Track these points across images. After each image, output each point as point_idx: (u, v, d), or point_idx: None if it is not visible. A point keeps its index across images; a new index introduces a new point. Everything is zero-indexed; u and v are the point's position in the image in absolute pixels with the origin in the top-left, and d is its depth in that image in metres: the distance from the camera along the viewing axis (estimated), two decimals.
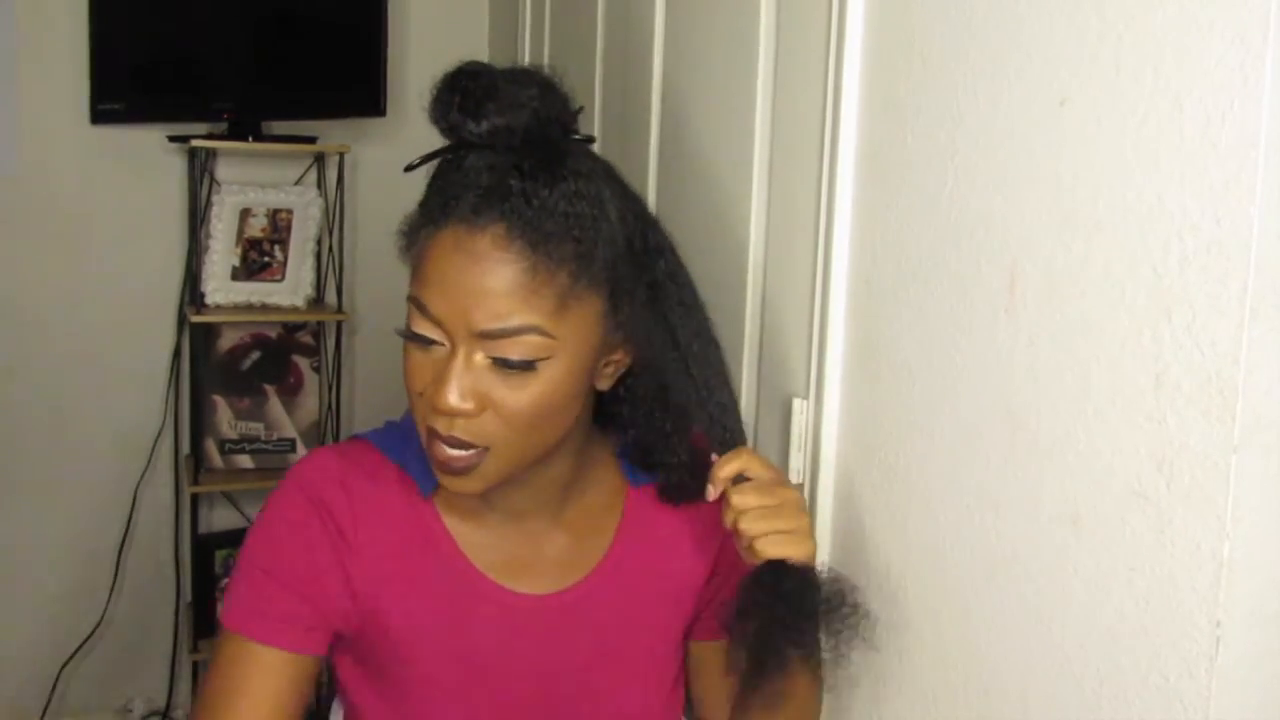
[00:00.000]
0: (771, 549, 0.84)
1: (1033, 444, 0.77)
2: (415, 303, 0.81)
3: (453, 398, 0.79)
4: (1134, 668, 0.69)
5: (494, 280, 0.78)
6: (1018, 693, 0.79)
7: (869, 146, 0.97)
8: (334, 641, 0.92)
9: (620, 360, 0.88)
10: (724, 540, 0.99)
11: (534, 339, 0.79)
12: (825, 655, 0.90)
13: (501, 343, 0.79)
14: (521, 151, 0.80)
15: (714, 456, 0.89)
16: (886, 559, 0.94)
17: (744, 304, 1.19)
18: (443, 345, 0.81)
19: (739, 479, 0.87)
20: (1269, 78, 0.59)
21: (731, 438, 0.90)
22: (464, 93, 0.80)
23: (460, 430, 0.80)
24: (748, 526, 0.85)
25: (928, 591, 0.89)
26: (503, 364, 0.79)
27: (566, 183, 0.80)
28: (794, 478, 1.06)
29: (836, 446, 1.03)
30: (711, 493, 0.87)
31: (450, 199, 0.80)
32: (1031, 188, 0.77)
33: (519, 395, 0.80)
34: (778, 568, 0.85)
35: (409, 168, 0.86)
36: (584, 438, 0.93)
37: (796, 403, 1.07)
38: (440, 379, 0.80)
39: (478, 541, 0.92)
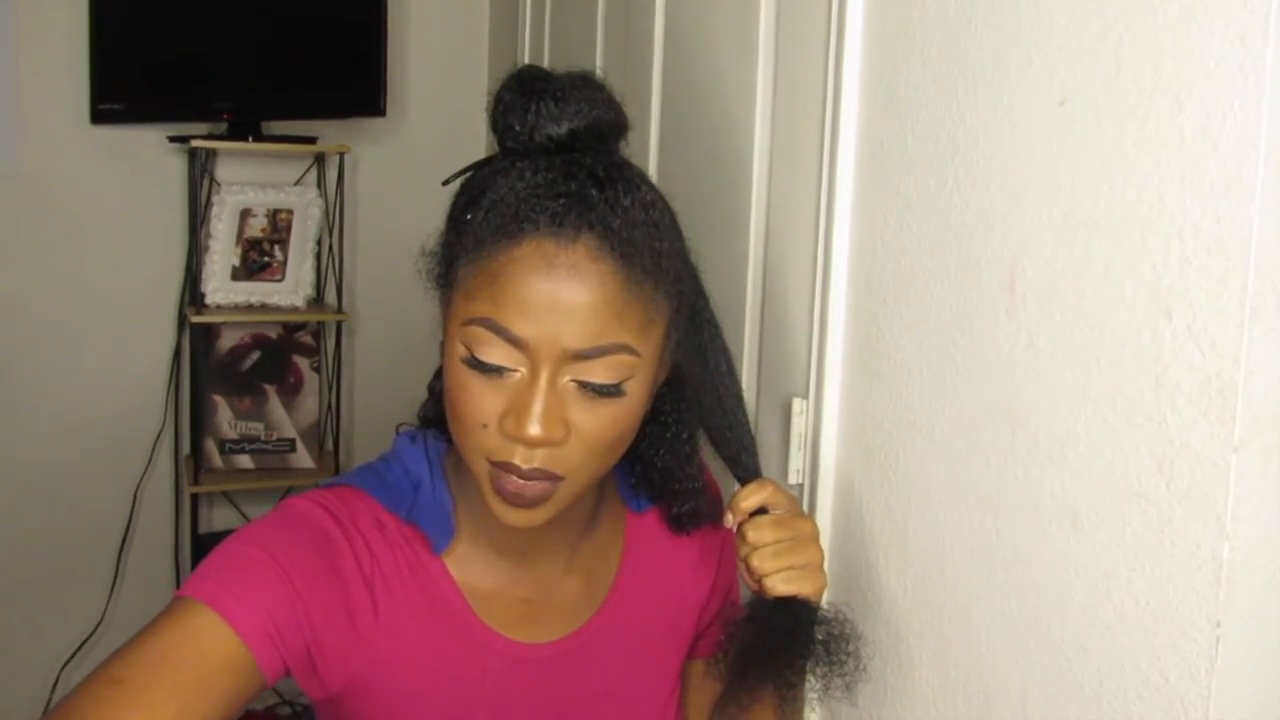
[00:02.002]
0: (781, 586, 0.83)
1: (1033, 444, 0.77)
2: (487, 325, 0.72)
3: (543, 428, 0.72)
4: (1134, 668, 0.69)
5: (589, 296, 0.71)
6: (1018, 693, 0.79)
7: (869, 146, 0.97)
8: (282, 677, 0.78)
9: (660, 379, 0.82)
10: (720, 558, 0.98)
11: (624, 358, 0.73)
12: (811, 694, 0.89)
13: (592, 364, 0.73)
14: (592, 157, 0.75)
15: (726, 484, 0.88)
16: (886, 559, 0.94)
17: (744, 304, 1.19)
18: (516, 372, 0.73)
19: (757, 511, 0.86)
20: (1269, 78, 0.59)
21: (750, 462, 0.88)
22: (540, 95, 0.75)
23: (542, 460, 0.74)
24: (760, 564, 0.83)
25: (928, 591, 0.89)
26: (590, 388, 0.73)
27: (640, 191, 0.76)
28: (794, 478, 1.06)
29: (836, 446, 1.03)
30: (730, 521, 0.86)
31: (525, 210, 0.73)
32: (1031, 188, 0.77)
33: (602, 419, 0.74)
34: (781, 603, 0.84)
35: (448, 180, 0.80)
36: None
37: (796, 403, 1.07)
38: (522, 408, 0.72)
39: (486, 593, 0.86)
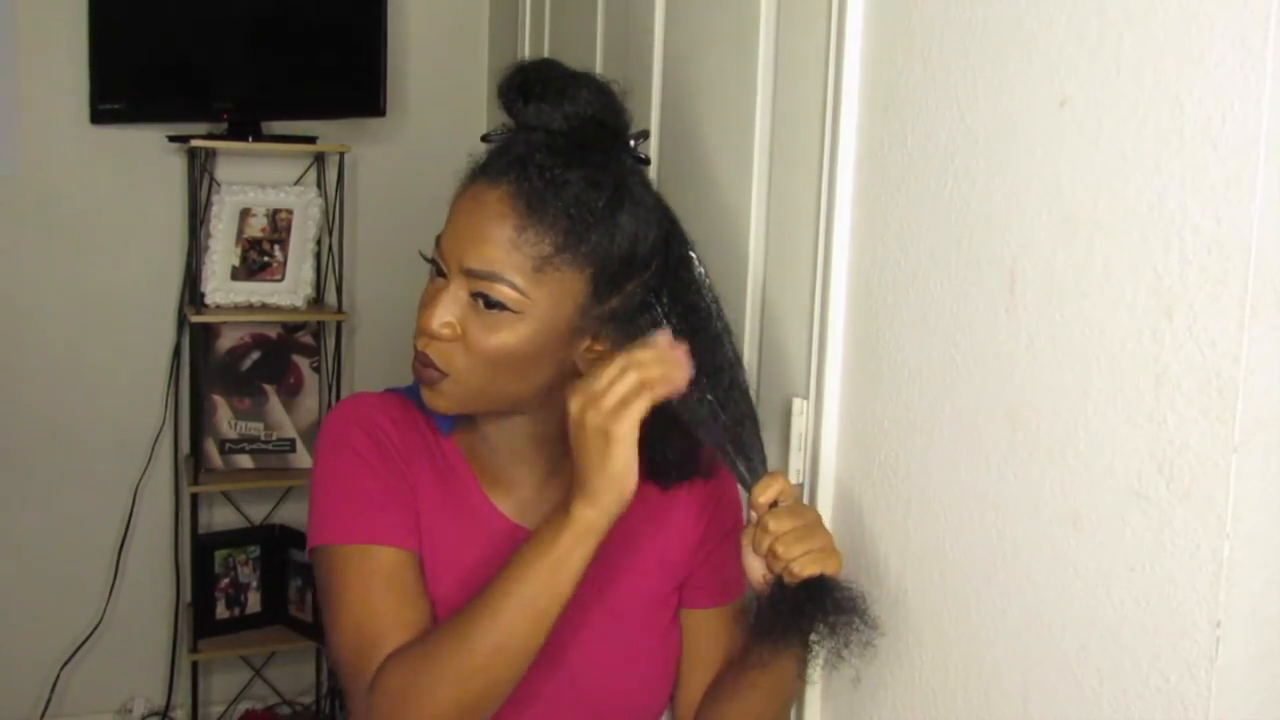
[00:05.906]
0: (809, 568, 0.88)
1: (1033, 444, 0.77)
2: (436, 242, 0.93)
3: (434, 321, 0.90)
4: (1134, 668, 0.69)
5: (487, 229, 0.88)
6: (1018, 693, 0.79)
7: (869, 146, 0.97)
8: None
9: (605, 352, 0.92)
10: (713, 513, 1.04)
11: (507, 290, 0.88)
12: (826, 656, 0.90)
13: (482, 283, 0.88)
14: (560, 136, 0.90)
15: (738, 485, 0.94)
16: (886, 559, 0.94)
17: (744, 304, 1.19)
18: (445, 281, 0.91)
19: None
20: (1269, 78, 0.59)
21: (757, 459, 0.93)
22: (523, 75, 0.91)
23: (432, 352, 0.90)
24: (786, 549, 0.88)
25: (928, 591, 0.89)
26: (481, 299, 0.88)
27: (586, 170, 0.88)
28: (794, 478, 1.07)
29: (836, 446, 1.03)
30: (754, 518, 0.91)
31: (483, 163, 0.92)
32: (1031, 188, 0.77)
33: (486, 336, 0.89)
34: (807, 583, 0.88)
35: (484, 138, 0.95)
36: None
37: (796, 403, 1.07)
38: (430, 304, 0.91)
39: (488, 479, 1.01)
